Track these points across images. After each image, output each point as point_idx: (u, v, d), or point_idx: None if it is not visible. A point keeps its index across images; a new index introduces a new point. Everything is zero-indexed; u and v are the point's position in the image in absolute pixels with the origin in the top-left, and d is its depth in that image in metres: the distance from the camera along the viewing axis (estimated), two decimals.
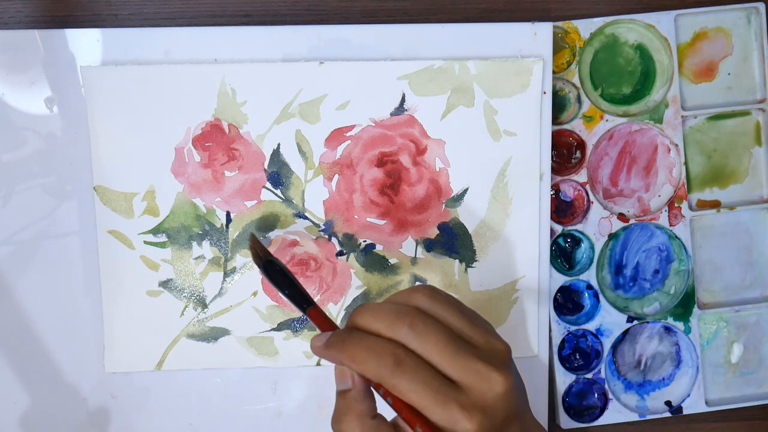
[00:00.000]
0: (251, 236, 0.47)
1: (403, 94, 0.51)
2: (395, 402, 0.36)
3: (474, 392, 0.36)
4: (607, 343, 0.55)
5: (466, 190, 0.52)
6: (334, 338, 0.38)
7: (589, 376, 0.55)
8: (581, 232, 0.54)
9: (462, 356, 0.36)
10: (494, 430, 0.36)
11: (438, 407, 0.35)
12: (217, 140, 0.51)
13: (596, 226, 0.54)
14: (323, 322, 0.41)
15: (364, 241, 0.52)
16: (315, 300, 0.41)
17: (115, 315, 0.51)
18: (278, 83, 0.50)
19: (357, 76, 0.50)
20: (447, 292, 0.52)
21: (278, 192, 0.51)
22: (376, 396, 0.38)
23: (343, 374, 0.38)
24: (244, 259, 0.51)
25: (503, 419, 0.36)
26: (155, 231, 0.51)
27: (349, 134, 0.51)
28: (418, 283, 0.52)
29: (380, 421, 0.37)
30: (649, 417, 0.56)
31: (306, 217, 0.52)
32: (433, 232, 0.52)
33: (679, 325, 0.55)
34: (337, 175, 0.51)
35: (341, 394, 0.38)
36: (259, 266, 0.45)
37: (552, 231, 0.54)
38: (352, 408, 0.37)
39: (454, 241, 0.52)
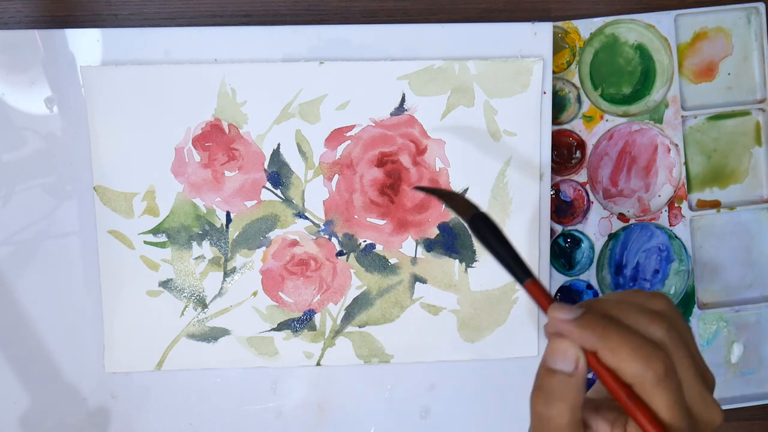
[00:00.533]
0: (440, 191, 0.44)
1: (403, 94, 0.51)
2: (634, 406, 0.33)
3: (700, 423, 0.34)
4: None
5: (466, 190, 0.52)
6: (593, 320, 0.33)
7: (590, 375, 0.55)
8: (581, 232, 0.54)
9: (700, 383, 0.34)
10: None
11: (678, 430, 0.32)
12: (217, 140, 0.51)
13: (596, 226, 0.54)
14: (545, 297, 0.35)
15: (364, 241, 0.52)
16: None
17: (115, 315, 0.51)
18: (278, 83, 0.50)
19: (357, 76, 0.50)
20: (447, 292, 0.52)
21: (278, 192, 0.51)
22: None
23: (565, 353, 0.33)
24: (244, 259, 0.51)
25: None
26: (155, 231, 0.51)
27: (349, 134, 0.51)
28: (417, 283, 0.52)
29: (581, 416, 0.34)
30: None
31: (306, 217, 0.52)
32: (433, 232, 0.52)
33: None
34: (337, 175, 0.51)
35: (557, 374, 0.33)
36: (465, 221, 0.37)
37: (552, 231, 0.54)
38: (569, 395, 0.33)
39: (454, 241, 0.52)
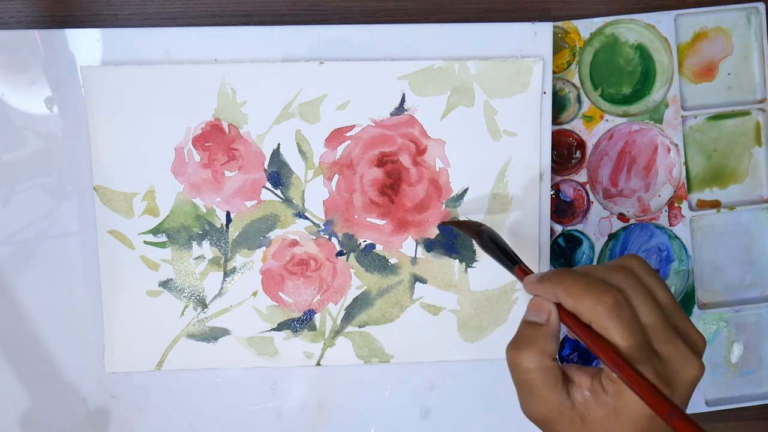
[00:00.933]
0: (455, 222, 0.51)
1: (403, 94, 0.51)
2: (595, 343, 0.35)
3: (670, 367, 0.36)
4: None
5: (466, 190, 0.52)
6: (551, 274, 0.38)
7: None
8: (581, 232, 0.54)
9: (668, 328, 0.36)
10: None
11: (638, 364, 0.35)
12: (217, 140, 0.51)
13: (596, 226, 0.54)
14: (524, 273, 0.42)
15: (364, 241, 0.52)
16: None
17: (115, 315, 0.51)
18: (278, 83, 0.50)
19: (357, 76, 0.50)
20: (447, 292, 0.52)
21: (278, 192, 0.51)
22: None
23: (539, 307, 0.38)
24: (244, 259, 0.51)
25: (682, 404, 0.36)
26: (155, 231, 0.51)
27: (349, 134, 0.51)
28: (417, 283, 0.52)
29: (556, 366, 0.37)
30: None
31: (306, 217, 0.52)
32: (433, 232, 0.52)
33: None
34: (337, 175, 0.51)
35: (531, 324, 0.38)
36: (472, 236, 0.49)
37: (552, 231, 0.54)
38: (538, 342, 0.37)
39: (454, 241, 0.52)
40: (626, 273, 0.37)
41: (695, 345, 0.37)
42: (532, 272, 0.41)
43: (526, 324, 0.38)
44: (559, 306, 0.37)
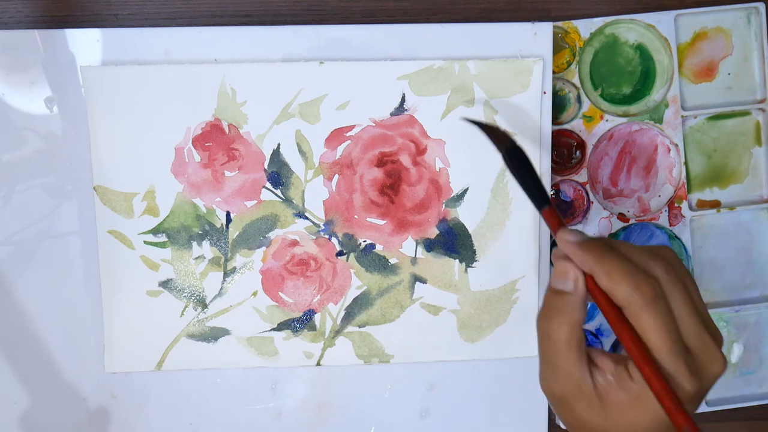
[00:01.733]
0: (483, 124, 0.47)
1: (403, 94, 0.51)
2: (623, 329, 0.35)
3: (698, 361, 0.36)
4: (607, 343, 0.55)
5: (466, 190, 0.52)
6: (591, 246, 0.37)
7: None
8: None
9: (699, 323, 0.36)
10: (695, 403, 0.36)
11: (668, 358, 0.35)
12: (217, 140, 0.51)
13: (596, 226, 0.54)
14: (557, 222, 0.40)
15: (364, 241, 0.52)
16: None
17: (115, 315, 0.51)
18: (278, 83, 0.50)
19: (357, 76, 0.50)
20: (447, 292, 0.52)
21: (278, 192, 0.51)
22: None
23: (566, 274, 0.37)
24: (244, 259, 0.51)
25: (702, 398, 0.36)
26: (155, 231, 0.51)
27: (349, 134, 0.51)
28: (417, 283, 0.52)
29: (583, 339, 0.37)
30: None
31: (306, 217, 0.52)
32: (433, 232, 0.52)
33: None
34: (337, 175, 0.51)
35: (558, 293, 0.37)
36: (500, 151, 0.44)
37: None
38: (567, 312, 0.37)
39: (454, 241, 0.52)
40: (665, 265, 0.37)
41: (719, 340, 0.37)
42: (564, 224, 0.39)
43: (554, 292, 0.38)
44: (588, 276, 0.37)
